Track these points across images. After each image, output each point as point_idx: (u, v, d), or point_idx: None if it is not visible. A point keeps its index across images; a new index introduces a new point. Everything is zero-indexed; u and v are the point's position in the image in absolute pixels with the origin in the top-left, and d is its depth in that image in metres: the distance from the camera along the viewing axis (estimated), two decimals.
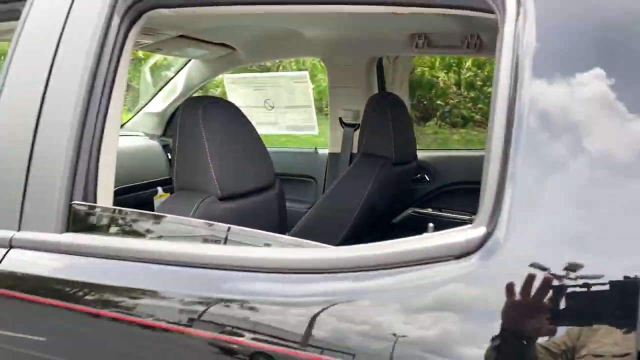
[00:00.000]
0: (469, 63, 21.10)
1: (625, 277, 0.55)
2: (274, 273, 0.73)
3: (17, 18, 1.02)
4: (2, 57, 1.89)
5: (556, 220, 0.61)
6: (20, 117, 0.94)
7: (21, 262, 0.90)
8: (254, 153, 1.34)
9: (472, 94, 19.23)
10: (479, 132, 16.84)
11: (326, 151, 2.40)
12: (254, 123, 2.41)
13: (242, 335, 0.70)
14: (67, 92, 0.91)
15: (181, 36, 1.95)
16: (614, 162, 0.59)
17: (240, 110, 1.36)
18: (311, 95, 2.39)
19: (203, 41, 2.06)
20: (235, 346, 0.71)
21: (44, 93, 0.92)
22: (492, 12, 0.71)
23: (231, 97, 2.49)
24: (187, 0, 0.98)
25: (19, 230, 0.92)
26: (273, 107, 2.44)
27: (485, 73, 20.54)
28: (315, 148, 2.48)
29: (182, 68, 2.47)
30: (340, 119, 2.27)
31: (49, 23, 0.96)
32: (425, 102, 19.35)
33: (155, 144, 2.38)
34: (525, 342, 0.59)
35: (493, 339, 0.58)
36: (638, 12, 0.62)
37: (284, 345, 0.68)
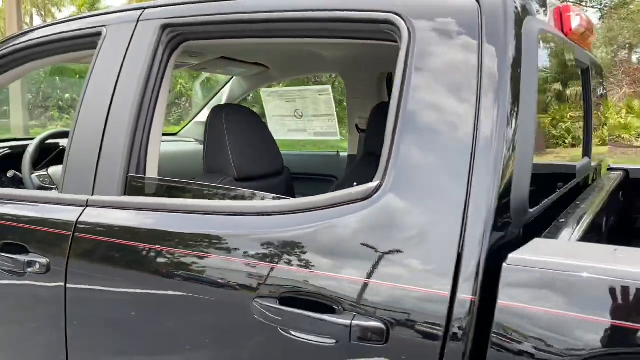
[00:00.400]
0: None
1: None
2: (252, 216, 1.13)
3: (94, 47, 1.47)
4: (77, 75, 2.37)
5: (419, 177, 0.96)
6: (95, 117, 1.38)
7: (94, 216, 1.33)
8: (264, 146, 1.74)
9: None
10: None
11: (347, 154, 2.78)
12: (286, 130, 2.82)
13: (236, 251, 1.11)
14: (126, 99, 1.34)
15: (222, 57, 2.39)
16: (452, 145, 0.95)
17: (255, 114, 1.77)
18: (333, 105, 2.77)
19: (240, 61, 2.49)
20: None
21: (111, 100, 1.35)
22: (396, 41, 1.07)
23: (268, 108, 2.90)
24: (209, 34, 1.40)
25: (92, 195, 1.35)
26: (302, 116, 2.84)
27: None
28: (337, 151, 2.86)
29: (226, 84, 2.93)
30: (356, 125, 2.64)
31: (116, 51, 1.40)
32: None
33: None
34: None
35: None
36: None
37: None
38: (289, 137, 2.93)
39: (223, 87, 2.94)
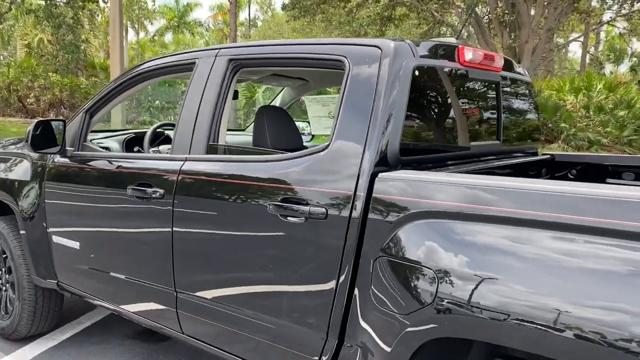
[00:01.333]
0: (600, 86, 20.54)
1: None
2: (266, 162, 2.16)
3: (191, 70, 2.57)
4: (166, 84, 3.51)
5: (345, 138, 1.95)
6: (191, 111, 2.47)
7: (189, 165, 2.41)
8: (289, 131, 2.76)
9: (600, 117, 18.81)
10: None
11: None
12: (322, 127, 3.83)
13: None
14: (208, 101, 2.42)
15: (273, 74, 3.46)
16: (360, 123, 1.93)
17: (284, 111, 2.82)
18: None
19: (287, 76, 3.55)
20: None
21: (200, 101, 2.43)
22: (343, 69, 2.06)
23: (310, 111, 3.94)
24: (251, 64, 2.46)
25: (189, 154, 2.43)
26: (334, 117, 3.86)
27: (618, 96, 19.89)
28: None
29: (279, 92, 4.01)
30: None
31: (204, 73, 2.49)
32: (549, 125, 19.29)
33: None
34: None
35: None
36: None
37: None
38: (325, 132, 3.94)
39: (277, 95, 4.02)
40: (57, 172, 3.03)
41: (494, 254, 1.54)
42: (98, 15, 23.78)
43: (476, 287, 1.52)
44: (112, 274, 2.80)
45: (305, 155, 2.05)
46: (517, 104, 2.82)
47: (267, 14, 47.76)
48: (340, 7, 17.33)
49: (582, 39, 26.60)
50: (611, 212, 1.38)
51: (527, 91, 2.89)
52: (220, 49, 2.53)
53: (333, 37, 21.34)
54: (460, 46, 2.26)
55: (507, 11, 14.49)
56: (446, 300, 1.57)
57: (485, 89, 2.50)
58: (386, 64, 1.92)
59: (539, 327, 1.39)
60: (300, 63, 2.35)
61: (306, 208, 1.94)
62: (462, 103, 2.37)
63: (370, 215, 1.81)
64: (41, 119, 3.01)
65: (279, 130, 2.65)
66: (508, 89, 2.65)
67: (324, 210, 1.90)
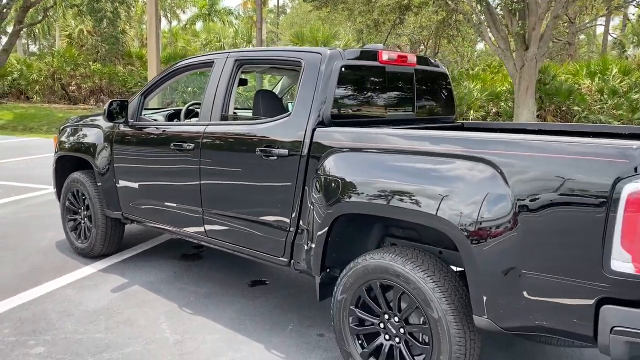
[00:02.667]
0: (615, 70, 21.30)
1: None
2: (251, 125, 3.55)
3: (210, 66, 3.97)
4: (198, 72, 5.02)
5: (297, 109, 3.32)
6: (211, 94, 3.87)
7: (210, 128, 3.82)
8: (276, 104, 4.12)
9: (615, 100, 19.65)
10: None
11: None
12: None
13: None
14: (222, 87, 3.82)
15: (271, 67, 4.83)
16: (307, 100, 3.30)
17: (272, 92, 4.20)
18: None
19: (284, 68, 4.92)
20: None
21: (217, 87, 3.84)
22: (301, 66, 3.42)
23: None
24: (250, 62, 3.85)
25: (209, 121, 3.84)
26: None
27: (633, 79, 20.63)
28: None
29: (279, 80, 5.38)
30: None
31: (218, 69, 3.88)
32: (564, 108, 20.23)
33: None
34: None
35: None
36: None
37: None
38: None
39: (277, 83, 5.39)
40: (122, 136, 4.49)
41: (369, 167, 2.89)
42: (133, 6, 25.46)
43: (358, 185, 2.88)
44: (159, 203, 4.24)
45: (278, 120, 3.42)
46: (431, 87, 4.13)
47: (294, 1, 48.96)
48: None
49: (599, 23, 27.02)
50: (423, 144, 2.73)
51: (442, 79, 4.20)
52: (229, 52, 3.92)
53: (356, 24, 22.56)
54: (380, 50, 3.58)
55: (515, 0, 15.48)
56: (345, 194, 2.93)
57: (403, 77, 3.82)
58: (324, 64, 3.28)
59: (386, 202, 2.74)
60: (277, 62, 3.76)
61: (277, 150, 3.32)
62: (382, 87, 3.70)
63: (312, 153, 3.18)
64: (112, 99, 4.46)
65: (266, 105, 4.01)
66: (421, 77, 3.97)
67: (286, 151, 3.28)
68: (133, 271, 4.70)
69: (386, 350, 2.89)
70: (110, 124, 4.56)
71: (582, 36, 40.20)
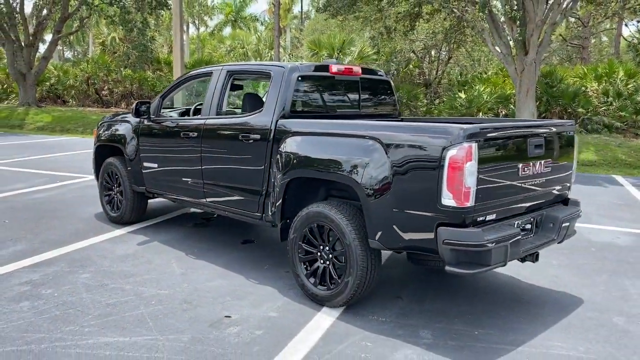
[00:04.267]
0: (622, 73, 22.35)
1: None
2: (236, 117, 5.00)
3: (210, 76, 5.43)
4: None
5: (267, 105, 4.75)
6: (210, 97, 5.33)
7: (209, 121, 5.28)
8: (256, 103, 5.56)
9: (620, 102, 20.65)
10: (611, 138, 18.56)
11: None
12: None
13: None
14: (217, 91, 5.28)
15: (254, 76, 6.27)
16: (272, 99, 4.74)
17: (255, 94, 5.64)
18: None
19: (261, 77, 6.34)
20: None
21: (213, 92, 5.30)
22: (271, 76, 4.84)
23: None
24: (239, 74, 5.30)
25: (208, 115, 5.30)
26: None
27: (639, 82, 21.59)
28: None
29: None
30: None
31: (215, 78, 5.34)
32: (569, 110, 21.31)
33: None
34: None
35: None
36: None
37: None
38: None
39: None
40: (145, 129, 5.99)
41: (309, 146, 4.29)
42: (162, 15, 27.35)
43: (302, 158, 4.29)
44: (173, 178, 5.71)
45: (254, 114, 4.84)
46: (374, 91, 5.50)
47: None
48: (374, 5, 19.82)
49: (612, 26, 27.76)
50: (341, 129, 4.13)
51: (384, 85, 5.57)
52: (224, 66, 5.38)
53: (368, 32, 23.96)
54: (330, 64, 4.98)
55: (515, 8, 16.67)
56: (294, 164, 4.34)
57: (350, 84, 5.20)
58: (285, 74, 4.69)
59: (315, 168, 4.15)
60: (256, 73, 5.21)
61: (252, 136, 4.74)
62: (332, 91, 5.08)
63: (275, 137, 4.59)
64: (138, 100, 5.95)
65: (250, 103, 5.41)
66: (366, 84, 5.35)
67: (259, 136, 4.70)
68: (153, 233, 6.19)
69: (320, 270, 4.28)
70: (137, 119, 6.06)
71: (604, 38, 40.74)
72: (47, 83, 26.75)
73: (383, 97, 5.65)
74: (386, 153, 3.80)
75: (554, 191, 4.36)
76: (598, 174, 12.18)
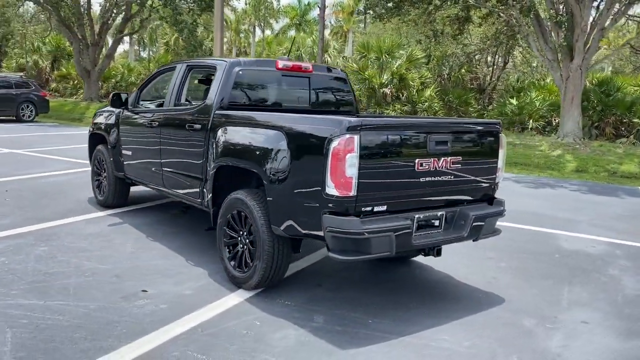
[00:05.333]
0: None
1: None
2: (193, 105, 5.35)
3: (174, 70, 5.82)
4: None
5: (210, 94, 5.07)
6: (171, 89, 5.72)
7: (167, 112, 5.67)
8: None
9: None
10: None
11: None
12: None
13: None
14: (176, 83, 5.65)
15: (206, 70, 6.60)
16: (214, 89, 5.05)
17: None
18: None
19: (212, 71, 6.66)
20: None
21: (174, 85, 5.68)
22: (216, 70, 5.15)
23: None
24: (195, 68, 5.67)
25: (168, 107, 5.69)
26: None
27: None
28: None
29: None
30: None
31: (177, 72, 5.72)
32: (625, 120, 20.46)
33: None
34: None
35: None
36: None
37: None
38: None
39: None
40: (124, 118, 6.47)
41: (235, 135, 4.57)
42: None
43: (227, 147, 4.57)
44: (141, 165, 6.14)
45: (199, 105, 5.16)
46: (329, 88, 5.69)
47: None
48: (422, 9, 19.77)
49: None
50: (260, 120, 4.38)
51: (340, 82, 5.75)
52: (184, 61, 5.75)
53: (418, 34, 23.90)
54: (277, 60, 5.23)
55: (560, 13, 16.18)
56: (222, 153, 4.62)
57: (299, 80, 5.43)
58: (226, 68, 4.98)
59: (233, 157, 4.42)
60: (207, 67, 5.49)
61: (195, 125, 5.06)
62: (280, 87, 5.32)
63: (212, 127, 4.89)
64: (114, 92, 6.44)
65: (202, 95, 5.73)
66: (319, 81, 5.54)
67: (200, 126, 5.02)
68: (131, 216, 6.66)
69: (239, 254, 4.53)
70: (118, 109, 6.56)
71: None
72: (113, 80, 28.48)
73: (339, 93, 5.82)
74: (288, 143, 4.00)
75: (471, 189, 4.40)
76: (624, 185, 11.65)
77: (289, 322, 3.92)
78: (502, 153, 4.56)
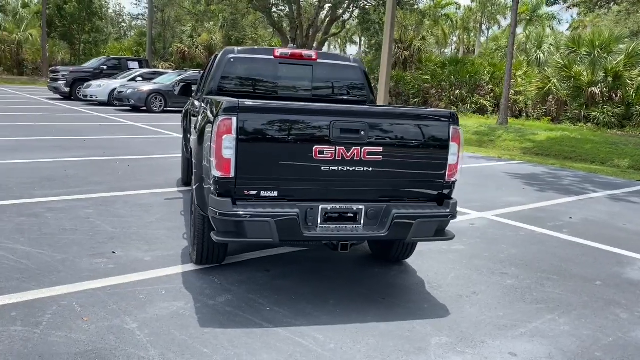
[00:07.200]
0: None
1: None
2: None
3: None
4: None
5: (202, 86, 5.44)
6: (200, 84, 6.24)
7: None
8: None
9: None
10: None
11: None
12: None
13: None
14: (204, 76, 6.14)
15: None
16: (208, 84, 5.41)
17: None
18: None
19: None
20: None
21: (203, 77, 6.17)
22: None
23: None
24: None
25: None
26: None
27: None
28: None
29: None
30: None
31: (209, 66, 6.21)
32: None
33: None
34: None
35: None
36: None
37: None
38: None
39: None
40: (190, 105, 7.22)
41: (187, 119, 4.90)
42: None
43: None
44: None
45: (197, 95, 5.57)
46: (335, 77, 5.55)
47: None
48: None
49: None
50: (197, 103, 4.64)
51: (350, 71, 5.57)
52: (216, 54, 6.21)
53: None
54: (275, 49, 5.36)
55: None
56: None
57: (300, 69, 5.44)
58: (219, 56, 5.30)
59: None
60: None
61: (196, 111, 5.49)
62: (277, 76, 5.41)
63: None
64: (182, 83, 7.22)
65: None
66: (323, 70, 5.48)
67: (196, 110, 5.43)
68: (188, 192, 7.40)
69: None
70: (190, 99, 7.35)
71: None
72: None
73: (349, 83, 5.67)
74: (211, 125, 4.18)
75: (409, 186, 4.00)
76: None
77: (190, 296, 4.08)
78: (455, 148, 4.03)
